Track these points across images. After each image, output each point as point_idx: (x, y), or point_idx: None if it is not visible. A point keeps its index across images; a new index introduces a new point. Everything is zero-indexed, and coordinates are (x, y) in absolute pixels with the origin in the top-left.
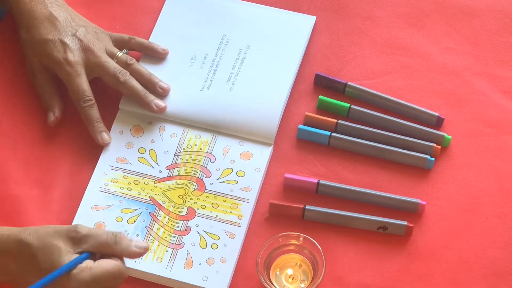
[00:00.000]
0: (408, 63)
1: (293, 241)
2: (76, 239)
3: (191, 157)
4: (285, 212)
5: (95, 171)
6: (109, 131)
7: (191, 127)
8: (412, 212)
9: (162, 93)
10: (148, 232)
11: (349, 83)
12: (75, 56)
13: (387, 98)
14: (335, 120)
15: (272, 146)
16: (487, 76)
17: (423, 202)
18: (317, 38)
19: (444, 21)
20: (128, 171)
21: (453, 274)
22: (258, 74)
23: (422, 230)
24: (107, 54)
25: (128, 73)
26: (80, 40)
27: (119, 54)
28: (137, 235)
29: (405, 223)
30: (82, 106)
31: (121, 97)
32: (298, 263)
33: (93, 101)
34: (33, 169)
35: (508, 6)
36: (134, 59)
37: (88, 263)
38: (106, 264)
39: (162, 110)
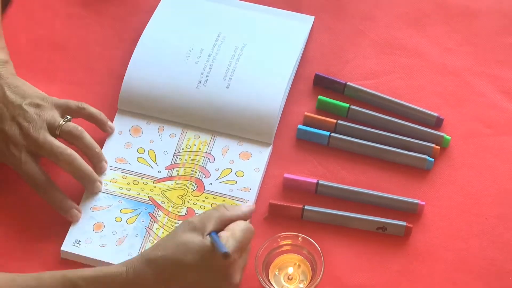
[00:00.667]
0: (408, 64)
1: (292, 241)
2: (196, 228)
3: (190, 157)
4: (284, 212)
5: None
6: (108, 132)
7: (190, 127)
8: (411, 212)
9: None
10: (147, 232)
11: (348, 83)
12: (17, 145)
13: (387, 99)
14: (335, 120)
15: (271, 146)
16: (486, 76)
17: (422, 203)
18: (317, 38)
19: (443, 22)
20: (127, 171)
21: (452, 275)
22: (255, 72)
23: (421, 231)
24: (49, 129)
25: (71, 152)
26: (20, 127)
27: (62, 122)
28: (137, 235)
29: (404, 223)
30: (40, 191)
31: (119, 97)
32: (297, 263)
33: (49, 181)
34: None
35: (508, 7)
36: (81, 128)
37: (227, 233)
38: (239, 229)
39: (96, 191)
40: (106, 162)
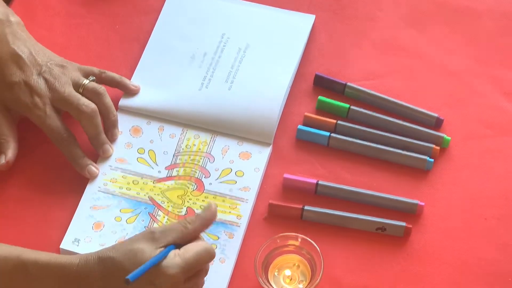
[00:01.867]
0: (408, 64)
1: (292, 242)
2: (154, 238)
3: (190, 157)
4: (283, 213)
5: None
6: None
7: (190, 127)
8: (410, 213)
9: (111, 138)
10: None
11: (348, 83)
12: (41, 97)
13: (387, 99)
14: (335, 121)
15: (271, 145)
16: (487, 77)
17: (422, 203)
18: (317, 39)
19: (444, 22)
20: (127, 171)
21: (452, 276)
22: (256, 73)
23: (421, 231)
24: (73, 86)
25: (94, 107)
26: (45, 80)
27: (86, 82)
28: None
29: (403, 224)
30: (62, 145)
31: (120, 98)
32: (296, 264)
33: (71, 137)
34: (32, 168)
35: (509, 8)
36: (104, 89)
37: (175, 251)
38: (192, 246)
39: (106, 156)
40: (119, 131)
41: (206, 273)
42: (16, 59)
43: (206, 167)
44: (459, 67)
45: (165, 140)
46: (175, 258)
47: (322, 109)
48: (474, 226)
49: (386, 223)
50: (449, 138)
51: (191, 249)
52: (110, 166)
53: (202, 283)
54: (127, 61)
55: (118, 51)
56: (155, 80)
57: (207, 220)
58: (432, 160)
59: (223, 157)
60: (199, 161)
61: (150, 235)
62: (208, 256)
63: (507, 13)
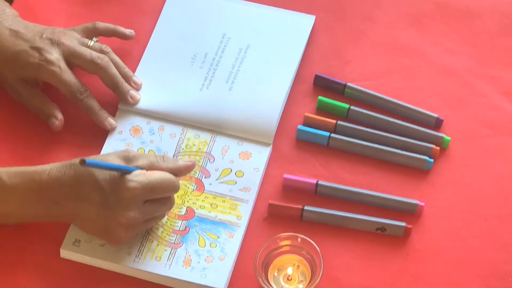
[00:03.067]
0: (408, 64)
1: (291, 242)
2: (127, 157)
3: (190, 157)
4: (283, 213)
5: None
6: (108, 132)
7: (190, 127)
8: (410, 213)
9: (135, 88)
10: (147, 231)
11: (348, 84)
12: (52, 54)
13: (387, 99)
14: (334, 121)
15: (271, 145)
16: (486, 77)
17: (422, 203)
18: (317, 39)
19: (444, 22)
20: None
21: (452, 276)
22: (257, 74)
23: (421, 232)
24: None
25: (106, 58)
26: (50, 39)
27: (91, 42)
28: (136, 234)
29: (403, 224)
30: (80, 99)
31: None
32: (296, 264)
33: (88, 91)
34: None
35: (508, 8)
36: (109, 47)
37: (142, 170)
38: (159, 173)
39: (136, 102)
40: (138, 78)
41: (169, 208)
42: (14, 34)
43: (206, 167)
44: (459, 67)
45: (165, 140)
46: (140, 175)
47: (322, 109)
48: (474, 226)
49: (386, 223)
50: (449, 138)
51: (157, 173)
52: None
53: (162, 216)
54: (127, 61)
55: (118, 51)
56: (156, 80)
57: (180, 168)
58: (432, 160)
59: (223, 157)
60: (199, 161)
61: (124, 153)
62: (172, 186)
63: (507, 13)
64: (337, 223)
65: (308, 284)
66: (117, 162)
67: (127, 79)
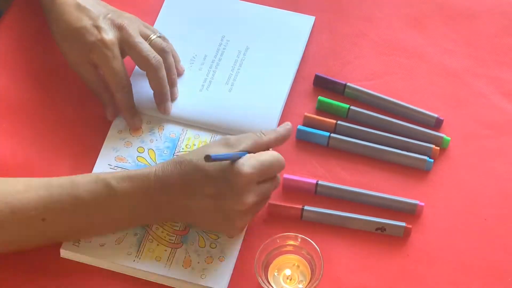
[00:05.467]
0: (408, 65)
1: (291, 242)
2: (228, 144)
3: None
4: (283, 213)
5: (93, 170)
6: (108, 131)
7: (190, 127)
8: (410, 213)
9: (172, 98)
10: (147, 232)
11: (348, 84)
12: (109, 35)
13: (387, 99)
14: (334, 121)
15: None
16: (486, 77)
17: (422, 204)
18: (317, 39)
19: (444, 23)
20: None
21: (452, 276)
22: (257, 75)
23: (421, 232)
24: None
25: (161, 60)
26: (112, 20)
27: (153, 36)
28: (136, 234)
29: (403, 224)
30: (121, 92)
31: None
32: (296, 264)
33: (130, 85)
34: (33, 167)
35: (508, 8)
36: (170, 46)
37: (251, 154)
38: (266, 153)
39: (167, 114)
40: (178, 91)
41: (276, 186)
42: (81, 9)
43: None
44: (459, 68)
45: (165, 140)
46: (251, 159)
47: (322, 109)
48: (474, 226)
49: (386, 223)
50: (449, 138)
51: (265, 154)
52: (110, 165)
53: (269, 196)
54: (127, 61)
55: None
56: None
57: (282, 135)
58: (432, 160)
59: None
60: None
61: (224, 141)
62: (279, 164)
63: (506, 13)
64: (337, 223)
65: (308, 284)
66: (222, 150)
67: (172, 85)
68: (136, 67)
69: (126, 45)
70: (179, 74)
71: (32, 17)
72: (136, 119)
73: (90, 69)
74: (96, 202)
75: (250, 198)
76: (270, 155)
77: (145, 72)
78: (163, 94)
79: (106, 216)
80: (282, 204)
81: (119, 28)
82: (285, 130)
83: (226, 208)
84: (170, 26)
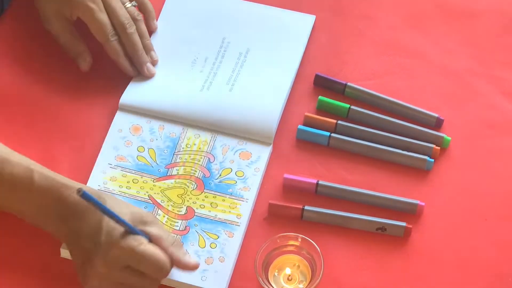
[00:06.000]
0: (408, 64)
1: (292, 242)
2: (142, 220)
3: (190, 156)
4: (283, 213)
5: (93, 169)
6: (108, 130)
7: (191, 126)
8: (411, 213)
9: (152, 62)
10: None
11: (349, 83)
12: None
13: (387, 99)
14: (335, 121)
15: (271, 145)
16: (487, 77)
17: (422, 203)
18: (317, 39)
19: (444, 22)
20: (127, 170)
21: (452, 276)
22: (258, 74)
23: (421, 232)
24: None
25: (134, 27)
26: None
27: (128, 4)
28: None
29: (404, 224)
30: (111, 40)
31: (121, 95)
32: (296, 264)
33: (117, 36)
34: None
35: (508, 8)
36: (142, 15)
37: (145, 240)
38: (158, 251)
39: (151, 75)
40: (156, 54)
41: (146, 286)
42: None
43: (206, 167)
44: (459, 67)
45: (165, 139)
46: (135, 241)
47: (322, 109)
48: (474, 226)
49: (386, 223)
50: (449, 138)
51: (153, 249)
52: (110, 164)
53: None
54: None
55: None
56: (155, 81)
57: (184, 263)
58: (432, 160)
59: (223, 157)
60: (199, 161)
61: (143, 215)
62: (158, 267)
63: (507, 13)
64: (337, 223)
65: (308, 284)
66: (133, 218)
67: (147, 50)
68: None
69: (106, 7)
70: (153, 30)
71: (32, 17)
72: (129, 68)
73: (65, 24)
74: (14, 186)
75: (108, 270)
76: (157, 253)
77: (144, 72)
78: (141, 56)
79: (12, 201)
80: (282, 204)
81: None
82: (189, 263)
83: (91, 256)
84: (170, 28)
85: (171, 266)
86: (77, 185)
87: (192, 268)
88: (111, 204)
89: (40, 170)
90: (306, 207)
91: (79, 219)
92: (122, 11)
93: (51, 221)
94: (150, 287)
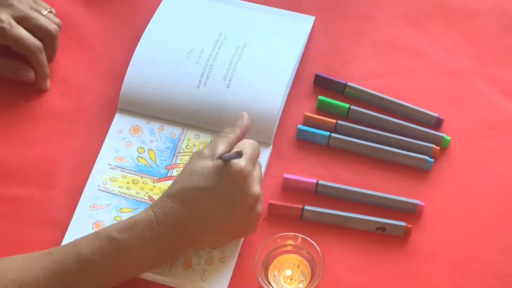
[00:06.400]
0: (408, 64)
1: (292, 242)
2: (206, 155)
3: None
4: (284, 212)
5: (93, 169)
6: (108, 130)
7: (190, 127)
8: (411, 213)
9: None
10: None
11: (348, 83)
12: (1, 14)
13: (387, 99)
14: (335, 121)
15: (271, 146)
16: (487, 77)
17: (422, 203)
18: (317, 39)
19: (444, 22)
20: (127, 170)
21: (452, 276)
22: (255, 71)
23: (421, 232)
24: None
25: (41, 45)
26: (1, 2)
27: (44, 12)
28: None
29: (403, 224)
30: (34, 51)
31: (120, 96)
32: (296, 264)
33: (40, 45)
34: (33, 168)
35: (508, 7)
36: (59, 22)
37: (231, 152)
38: (243, 142)
39: (31, 80)
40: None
41: (259, 164)
42: None
43: None
44: (459, 67)
45: (165, 140)
46: (239, 155)
47: (322, 109)
48: (474, 226)
49: (386, 223)
50: (449, 138)
51: (244, 145)
52: (110, 165)
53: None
54: (127, 61)
55: (118, 51)
56: (151, 77)
57: (244, 126)
58: (432, 160)
59: None
60: None
61: (200, 154)
62: (258, 147)
63: (507, 13)
64: (337, 223)
65: (308, 284)
66: (206, 162)
67: (50, 61)
68: (133, 59)
69: (22, 20)
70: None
71: None
72: (47, 80)
73: None
74: (104, 259)
75: (256, 187)
76: (248, 143)
77: (145, 70)
78: (44, 73)
79: (117, 270)
80: (282, 204)
81: (8, 6)
82: (245, 121)
83: (239, 210)
84: (167, 21)
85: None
86: (147, 211)
87: (248, 121)
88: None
89: (111, 227)
90: (306, 207)
91: (187, 218)
92: (39, 16)
93: (162, 254)
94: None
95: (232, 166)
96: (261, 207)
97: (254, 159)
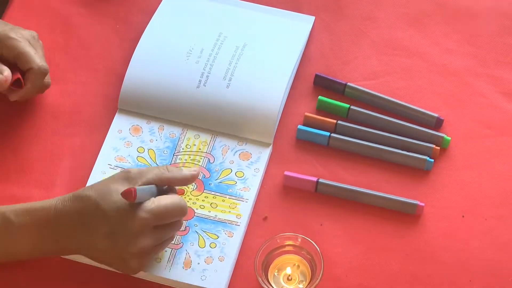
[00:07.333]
0: (408, 64)
1: (292, 242)
2: (130, 178)
3: (190, 157)
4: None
5: (93, 169)
6: (108, 130)
7: (190, 127)
8: (410, 213)
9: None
10: None
11: (348, 83)
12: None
13: (387, 99)
14: (335, 121)
15: (271, 146)
16: (487, 77)
17: (422, 204)
18: (317, 39)
19: (444, 22)
20: None
21: (452, 276)
22: (255, 72)
23: (421, 232)
24: None
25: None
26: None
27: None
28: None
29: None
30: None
31: (119, 96)
32: (296, 264)
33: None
34: (33, 168)
35: (508, 8)
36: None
37: (153, 199)
38: (166, 197)
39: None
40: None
41: (177, 228)
42: None
43: (206, 167)
44: (459, 67)
45: (165, 140)
46: (150, 203)
47: (322, 109)
48: (474, 226)
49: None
50: (449, 138)
51: (165, 199)
52: (110, 164)
53: (172, 238)
54: (127, 61)
55: (118, 51)
56: (150, 77)
57: (186, 177)
58: (432, 160)
59: (223, 158)
60: (199, 161)
61: (125, 175)
62: (180, 210)
63: (507, 13)
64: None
65: (308, 284)
66: (122, 185)
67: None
68: (133, 59)
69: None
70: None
71: (32, 16)
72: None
73: None
74: None
75: (144, 242)
76: (171, 200)
77: (145, 70)
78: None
79: (4, 248)
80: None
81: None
82: (191, 174)
83: (119, 249)
84: (167, 21)
85: (183, 200)
86: (51, 201)
87: (197, 176)
88: (111, 187)
89: (12, 208)
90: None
91: (77, 225)
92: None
93: (51, 246)
94: (178, 229)
95: (132, 210)
96: (143, 261)
97: (162, 217)
